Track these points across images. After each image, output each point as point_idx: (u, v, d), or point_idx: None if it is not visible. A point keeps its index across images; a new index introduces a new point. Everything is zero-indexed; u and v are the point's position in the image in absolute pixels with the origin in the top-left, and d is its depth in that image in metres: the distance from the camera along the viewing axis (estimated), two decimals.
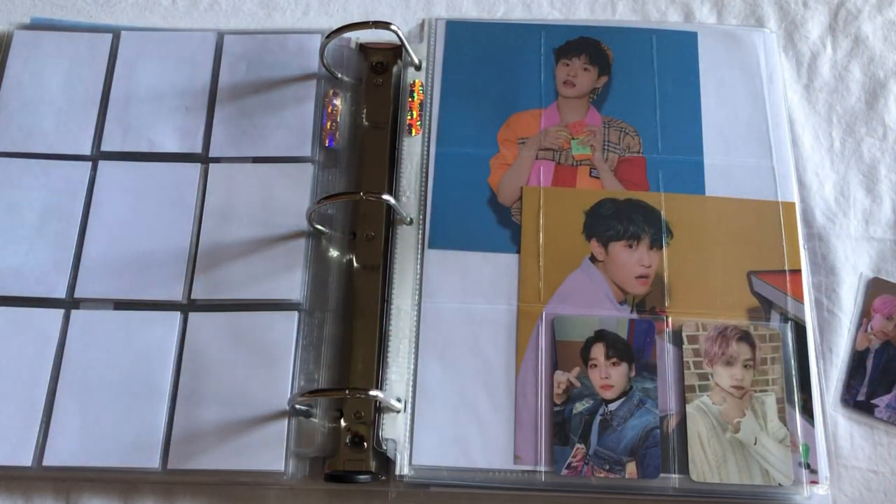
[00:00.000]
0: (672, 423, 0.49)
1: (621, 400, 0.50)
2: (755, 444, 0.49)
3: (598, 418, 0.49)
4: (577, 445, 0.49)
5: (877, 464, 0.51)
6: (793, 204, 0.55)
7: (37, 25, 0.62)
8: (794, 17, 0.63)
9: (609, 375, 0.50)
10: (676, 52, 0.60)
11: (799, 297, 0.53)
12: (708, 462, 0.48)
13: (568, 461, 0.49)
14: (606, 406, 0.50)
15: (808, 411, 0.50)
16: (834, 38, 0.62)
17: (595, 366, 0.51)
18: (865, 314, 0.54)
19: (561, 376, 0.51)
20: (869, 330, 0.54)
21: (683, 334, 0.51)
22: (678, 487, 0.48)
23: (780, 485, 0.48)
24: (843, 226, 0.56)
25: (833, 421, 0.52)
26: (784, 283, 0.53)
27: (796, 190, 0.56)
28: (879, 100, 0.60)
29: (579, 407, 0.50)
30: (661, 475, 0.48)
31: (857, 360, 0.53)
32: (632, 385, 0.50)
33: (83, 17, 0.63)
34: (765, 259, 0.53)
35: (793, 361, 0.51)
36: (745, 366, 0.51)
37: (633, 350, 0.51)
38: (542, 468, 0.49)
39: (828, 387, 0.52)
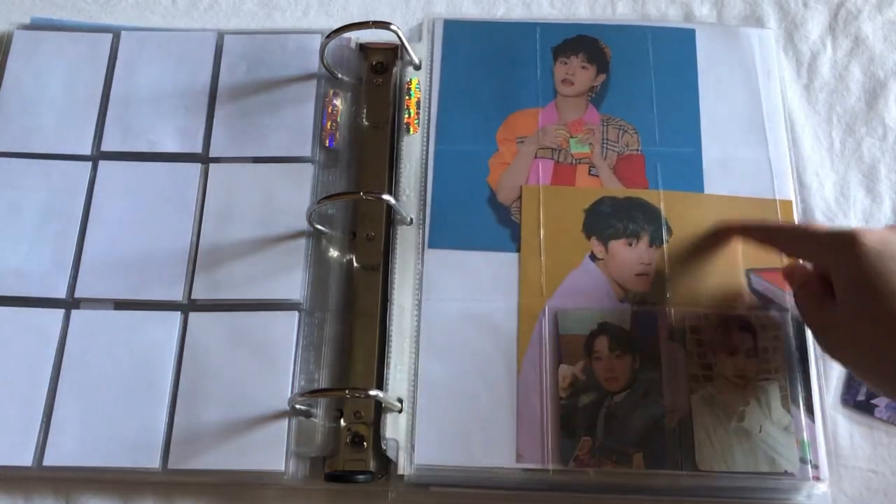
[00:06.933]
0: (677, 413, 0.49)
1: (626, 392, 0.50)
2: (760, 431, 0.49)
3: (603, 410, 0.49)
4: (584, 438, 0.49)
5: (877, 464, 0.51)
6: (790, 202, 0.55)
7: (37, 25, 0.62)
8: (794, 17, 0.62)
9: (613, 368, 0.50)
10: (674, 49, 0.60)
11: None
12: (714, 451, 0.48)
13: (574, 454, 0.48)
14: (612, 398, 0.50)
15: (808, 408, 0.50)
16: (834, 38, 0.62)
17: (599, 358, 0.51)
18: None
19: (566, 370, 0.50)
20: None
21: (686, 325, 0.51)
22: (686, 482, 0.48)
23: (786, 472, 0.48)
24: (843, 226, 0.56)
25: (833, 420, 0.52)
26: (783, 281, 0.53)
27: (793, 187, 0.56)
28: (879, 100, 0.60)
29: (584, 400, 0.50)
30: (668, 466, 0.48)
31: None
32: (636, 377, 0.50)
33: (83, 17, 0.63)
34: (763, 257, 0.53)
35: (793, 348, 0.51)
36: (748, 355, 0.51)
37: (637, 342, 0.51)
38: (549, 462, 0.48)
39: (828, 386, 0.52)
